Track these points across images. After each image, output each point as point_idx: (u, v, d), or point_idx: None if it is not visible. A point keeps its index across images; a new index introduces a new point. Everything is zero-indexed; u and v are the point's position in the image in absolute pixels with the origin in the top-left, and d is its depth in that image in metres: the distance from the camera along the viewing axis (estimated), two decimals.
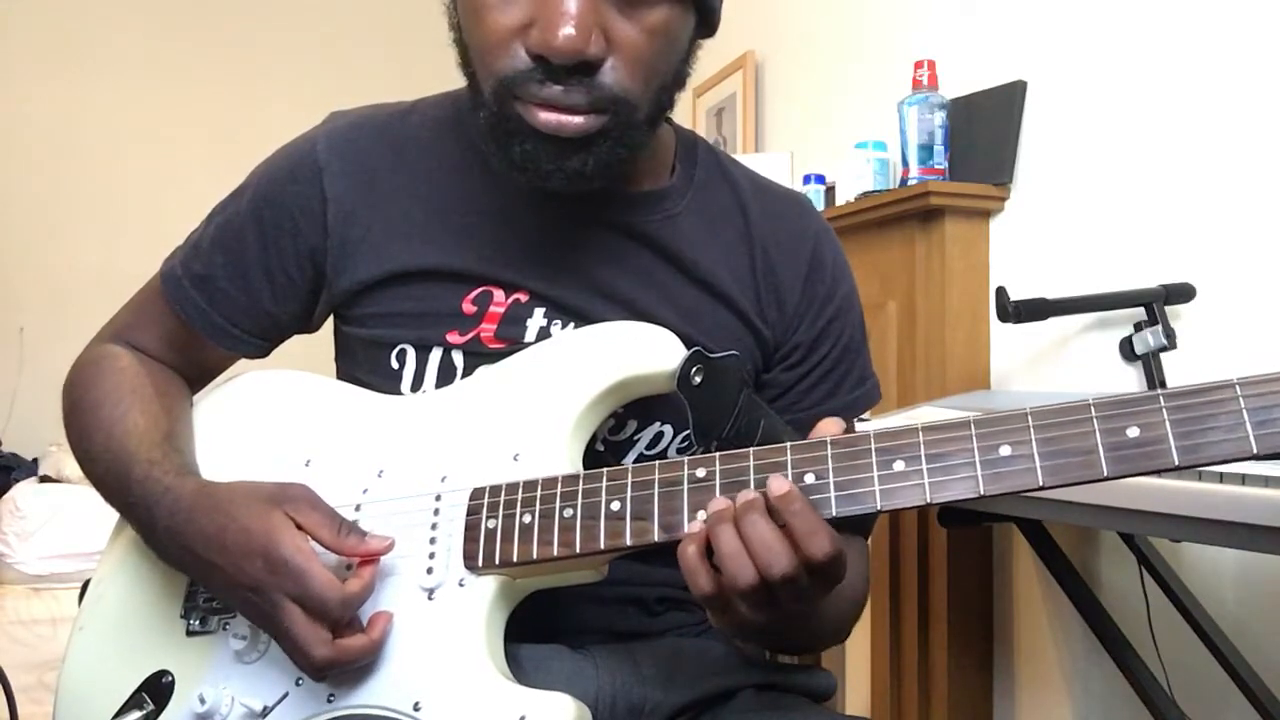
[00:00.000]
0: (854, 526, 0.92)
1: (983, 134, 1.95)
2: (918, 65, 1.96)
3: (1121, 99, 1.71)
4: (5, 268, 3.60)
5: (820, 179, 2.32)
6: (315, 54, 4.02)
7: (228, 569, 0.73)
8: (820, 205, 2.25)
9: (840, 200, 2.16)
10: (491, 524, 0.73)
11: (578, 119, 0.73)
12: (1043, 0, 1.88)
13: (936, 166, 1.93)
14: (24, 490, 2.98)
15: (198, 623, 0.81)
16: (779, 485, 0.63)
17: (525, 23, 0.71)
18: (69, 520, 2.80)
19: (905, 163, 1.96)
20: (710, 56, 2.99)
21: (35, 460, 3.32)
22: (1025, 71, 1.91)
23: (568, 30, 0.69)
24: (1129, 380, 1.66)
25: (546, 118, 0.73)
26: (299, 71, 3.94)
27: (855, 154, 2.12)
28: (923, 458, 0.63)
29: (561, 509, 0.71)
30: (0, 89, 3.65)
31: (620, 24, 0.72)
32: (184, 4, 3.91)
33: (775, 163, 2.45)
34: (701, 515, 0.67)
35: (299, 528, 0.73)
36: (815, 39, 2.61)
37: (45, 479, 3.10)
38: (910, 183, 1.93)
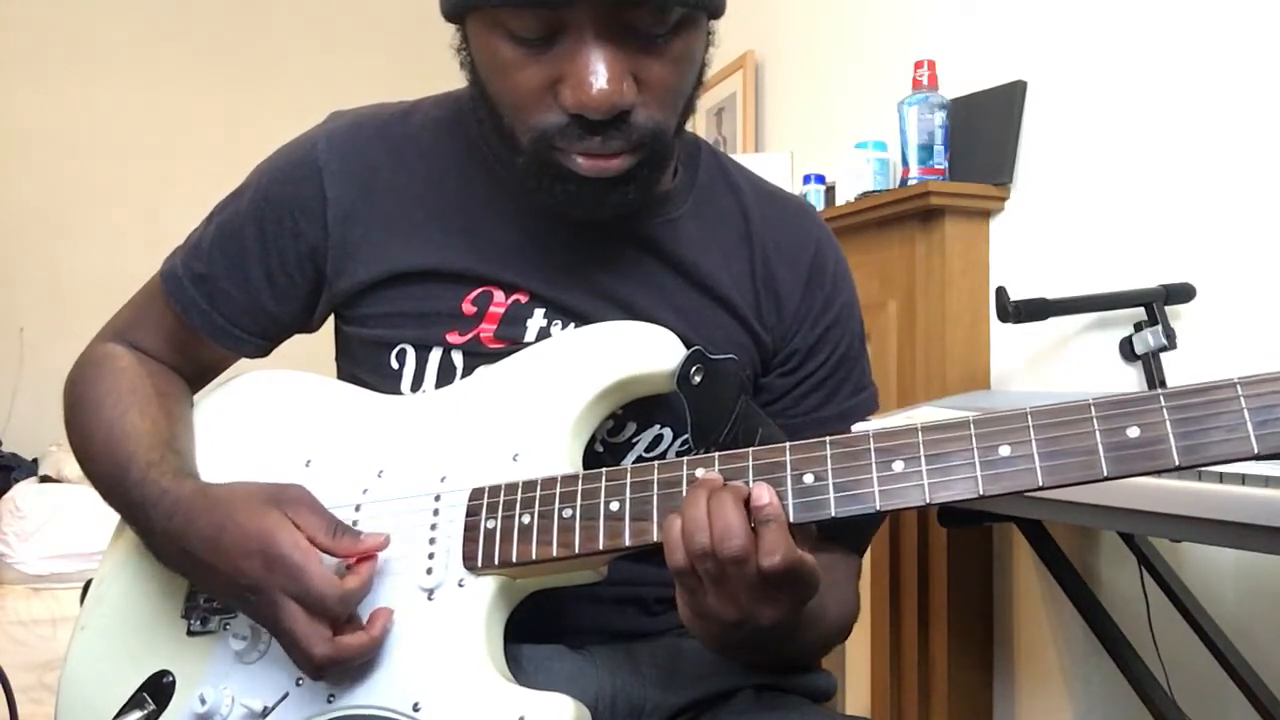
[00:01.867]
0: (850, 543, 0.92)
1: (983, 134, 1.95)
2: (918, 65, 1.95)
3: (1121, 99, 1.71)
4: (5, 268, 3.60)
5: (820, 179, 2.32)
6: (316, 54, 4.02)
7: (226, 569, 0.73)
8: (820, 205, 2.25)
9: (840, 200, 2.16)
10: (491, 524, 0.73)
11: (616, 162, 0.74)
12: (1043, 0, 1.88)
13: (936, 166, 1.93)
14: (24, 490, 2.98)
15: (198, 623, 0.81)
16: (760, 494, 0.64)
17: (554, 79, 0.71)
18: (69, 520, 2.80)
19: (905, 163, 1.95)
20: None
21: (35, 460, 3.32)
22: (1025, 71, 1.91)
23: (601, 86, 0.69)
24: (1129, 380, 1.66)
25: (589, 165, 0.74)
26: (299, 72, 3.94)
27: (855, 154, 2.12)
28: (922, 458, 0.63)
29: (561, 509, 0.71)
30: (1, 90, 3.65)
31: (647, 63, 0.71)
32: (184, 6, 3.91)
33: (775, 163, 2.44)
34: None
35: (296, 528, 0.73)
36: (815, 39, 2.61)
37: (45, 479, 3.10)
38: (910, 183, 1.92)
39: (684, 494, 0.68)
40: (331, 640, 0.71)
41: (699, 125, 3.05)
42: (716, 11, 0.76)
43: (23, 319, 3.57)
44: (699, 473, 0.68)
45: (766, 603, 0.65)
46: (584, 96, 0.69)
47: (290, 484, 0.77)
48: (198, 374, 0.95)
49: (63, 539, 2.79)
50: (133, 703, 0.80)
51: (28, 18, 3.69)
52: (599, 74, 0.69)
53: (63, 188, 3.70)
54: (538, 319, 0.84)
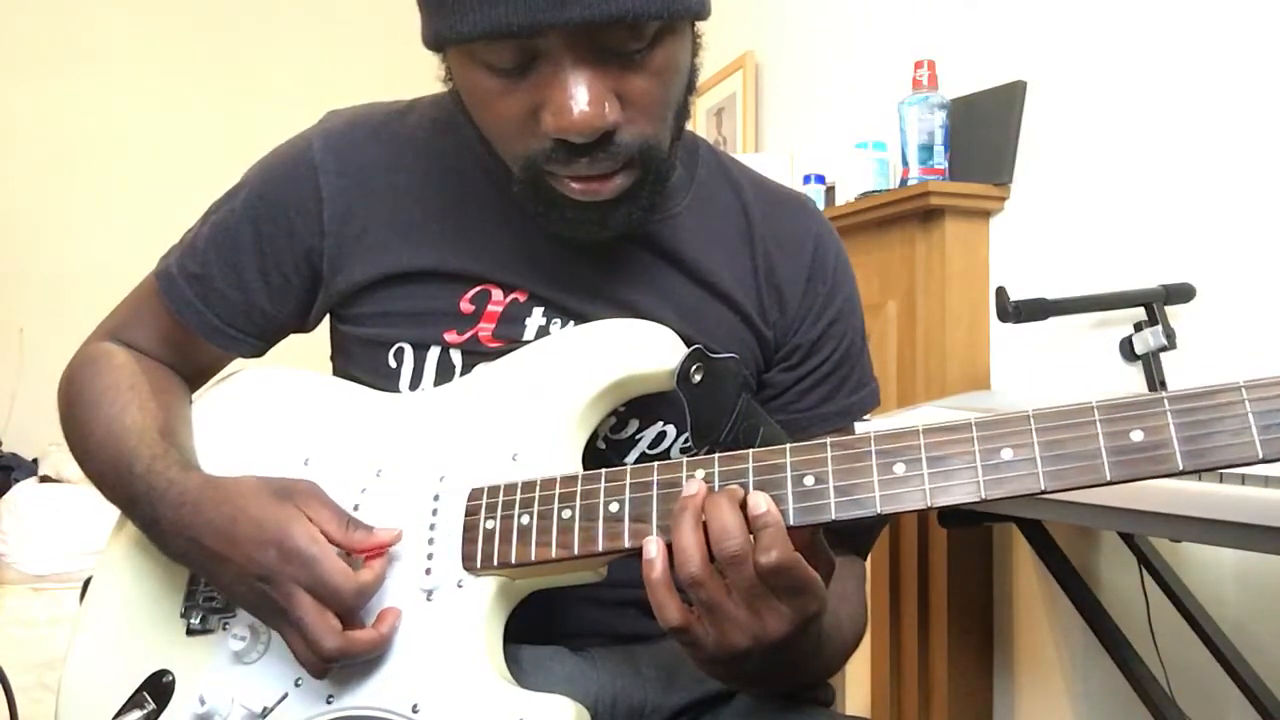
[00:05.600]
0: (853, 548, 0.92)
1: (983, 134, 1.95)
2: (918, 65, 1.95)
3: (1121, 99, 1.71)
4: (5, 268, 3.60)
5: (820, 179, 2.32)
6: (315, 52, 4.02)
7: (238, 560, 0.73)
8: (820, 205, 2.25)
9: (840, 200, 2.16)
10: (490, 525, 0.73)
11: (611, 182, 0.73)
12: (1043, 0, 1.88)
13: (936, 166, 1.93)
14: (24, 490, 2.99)
15: (198, 621, 0.81)
16: (758, 503, 0.63)
17: (535, 106, 0.70)
18: (69, 520, 2.81)
19: (905, 163, 1.95)
20: (710, 56, 2.98)
21: (35, 460, 3.32)
22: (1025, 71, 1.91)
23: (581, 109, 0.67)
24: (1129, 380, 1.65)
25: (581, 188, 0.73)
26: (298, 69, 3.94)
27: (855, 154, 2.12)
28: (923, 460, 0.62)
29: (560, 510, 0.71)
30: (0, 90, 3.65)
31: (628, 79, 0.70)
32: (184, 6, 3.91)
33: (775, 163, 2.45)
34: (651, 539, 0.66)
35: (309, 521, 0.73)
36: (815, 39, 2.61)
37: (45, 479, 3.10)
38: (910, 183, 1.92)
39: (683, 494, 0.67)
40: (341, 634, 0.70)
41: (699, 125, 3.04)
42: (700, 15, 0.74)
43: (23, 319, 3.57)
44: (699, 474, 0.68)
45: (770, 613, 0.64)
46: (564, 121, 0.68)
47: (300, 478, 0.77)
48: (194, 373, 0.95)
49: (63, 539, 2.80)
50: (132, 702, 0.80)
51: (27, 18, 3.69)
52: (578, 98, 0.67)
53: (62, 188, 3.70)
54: (536, 318, 0.83)
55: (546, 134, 0.70)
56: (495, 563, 0.72)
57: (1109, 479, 0.58)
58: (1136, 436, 0.58)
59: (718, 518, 0.63)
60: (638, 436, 0.85)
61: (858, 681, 2.11)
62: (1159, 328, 1.56)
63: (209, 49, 3.93)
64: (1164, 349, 1.56)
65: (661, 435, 0.85)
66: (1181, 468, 0.56)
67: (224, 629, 0.79)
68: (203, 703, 0.75)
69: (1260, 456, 0.55)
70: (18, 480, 3.17)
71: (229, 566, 0.74)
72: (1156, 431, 0.57)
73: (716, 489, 0.67)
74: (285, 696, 0.75)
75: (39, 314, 3.56)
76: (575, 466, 0.76)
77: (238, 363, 0.94)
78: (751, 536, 0.63)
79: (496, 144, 0.76)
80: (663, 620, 0.65)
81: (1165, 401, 0.58)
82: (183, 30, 3.90)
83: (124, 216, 3.68)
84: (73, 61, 3.73)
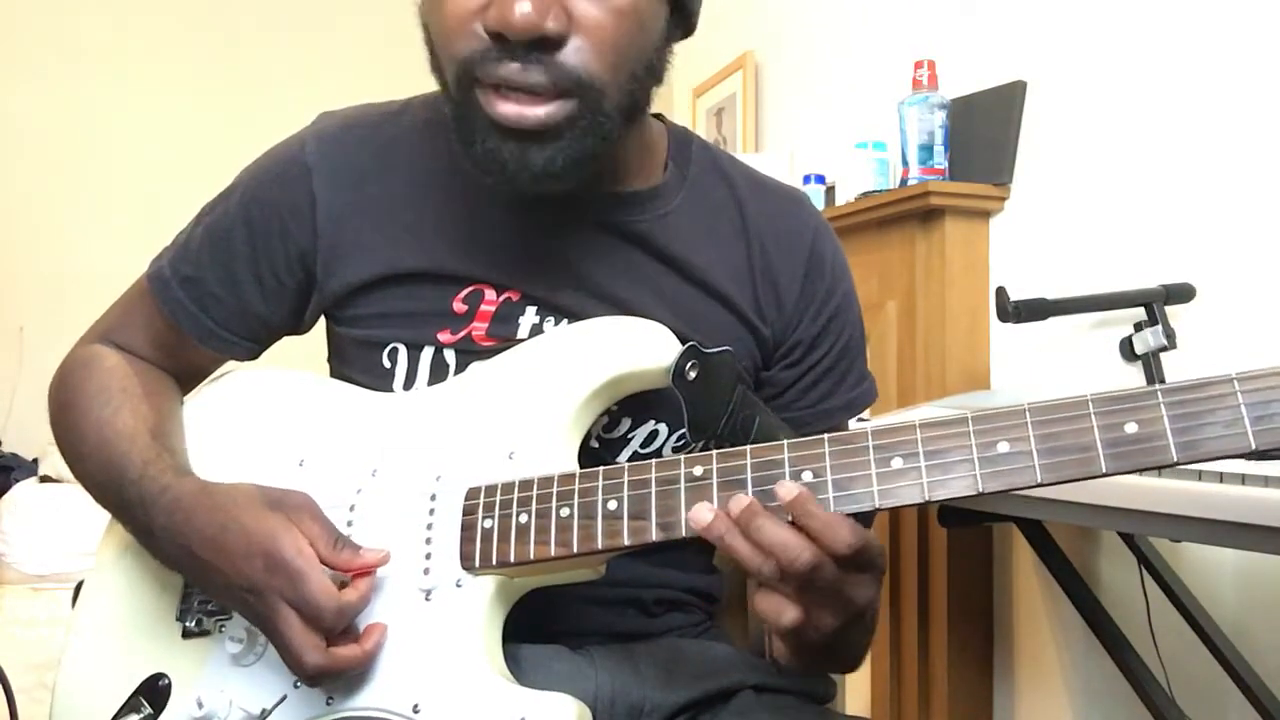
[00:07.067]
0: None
1: (983, 134, 1.95)
2: (918, 65, 1.95)
3: (1121, 99, 1.71)
4: (5, 268, 3.60)
5: (820, 179, 2.32)
6: (313, 53, 4.02)
7: (226, 570, 0.73)
8: (820, 205, 2.25)
9: (840, 200, 2.16)
10: (488, 524, 0.73)
11: (539, 109, 0.71)
12: (1043, 0, 1.88)
13: (936, 166, 1.93)
14: (24, 490, 2.99)
15: (194, 624, 0.81)
16: (787, 491, 0.63)
17: (485, 3, 0.70)
18: (69, 520, 2.81)
19: (905, 163, 1.95)
20: (710, 56, 2.99)
21: (35, 460, 3.33)
22: (1025, 71, 1.91)
23: (523, 5, 0.67)
24: (1129, 380, 1.65)
25: (506, 109, 0.71)
26: (297, 71, 3.94)
27: (855, 154, 2.12)
28: (920, 455, 0.62)
29: (558, 508, 0.71)
30: (1, 90, 3.65)
31: (584, 3, 0.70)
32: (184, 7, 3.91)
33: (775, 163, 2.45)
34: None
35: (299, 535, 0.73)
36: (815, 39, 2.61)
37: (45, 479, 3.11)
38: (910, 183, 1.92)
39: (681, 492, 0.68)
40: (325, 650, 0.70)
41: (699, 125, 3.04)
42: None
43: (23, 319, 3.57)
44: (697, 471, 0.67)
45: (858, 586, 0.65)
46: (505, 10, 0.68)
47: (294, 490, 0.76)
48: (187, 376, 0.94)
49: (63, 539, 2.80)
50: (129, 706, 0.79)
51: (28, 18, 3.69)
52: None
53: (63, 188, 3.71)
54: (530, 317, 0.83)
55: (488, 27, 0.69)
56: (494, 562, 0.72)
57: (1104, 471, 0.58)
58: (1131, 428, 0.58)
59: (771, 540, 0.63)
60: (630, 435, 0.85)
61: (858, 681, 2.10)
62: (1159, 328, 1.56)
63: (208, 50, 3.94)
64: (1164, 349, 1.56)
65: (654, 434, 0.85)
66: (1175, 459, 0.57)
67: (220, 631, 0.79)
68: (200, 706, 0.75)
69: (1253, 447, 0.55)
70: (18, 480, 3.18)
71: (218, 576, 0.74)
72: (1150, 424, 0.58)
73: (715, 486, 0.67)
74: (284, 699, 0.75)
75: (39, 314, 3.56)
76: (571, 464, 0.75)
77: (230, 364, 0.94)
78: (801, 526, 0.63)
79: (441, 51, 0.75)
80: (783, 623, 0.65)
81: (1159, 394, 0.58)
82: (183, 32, 3.91)
83: (124, 217, 3.68)
84: (73, 63, 3.74)
